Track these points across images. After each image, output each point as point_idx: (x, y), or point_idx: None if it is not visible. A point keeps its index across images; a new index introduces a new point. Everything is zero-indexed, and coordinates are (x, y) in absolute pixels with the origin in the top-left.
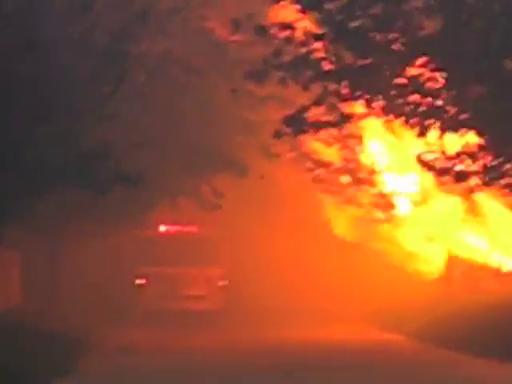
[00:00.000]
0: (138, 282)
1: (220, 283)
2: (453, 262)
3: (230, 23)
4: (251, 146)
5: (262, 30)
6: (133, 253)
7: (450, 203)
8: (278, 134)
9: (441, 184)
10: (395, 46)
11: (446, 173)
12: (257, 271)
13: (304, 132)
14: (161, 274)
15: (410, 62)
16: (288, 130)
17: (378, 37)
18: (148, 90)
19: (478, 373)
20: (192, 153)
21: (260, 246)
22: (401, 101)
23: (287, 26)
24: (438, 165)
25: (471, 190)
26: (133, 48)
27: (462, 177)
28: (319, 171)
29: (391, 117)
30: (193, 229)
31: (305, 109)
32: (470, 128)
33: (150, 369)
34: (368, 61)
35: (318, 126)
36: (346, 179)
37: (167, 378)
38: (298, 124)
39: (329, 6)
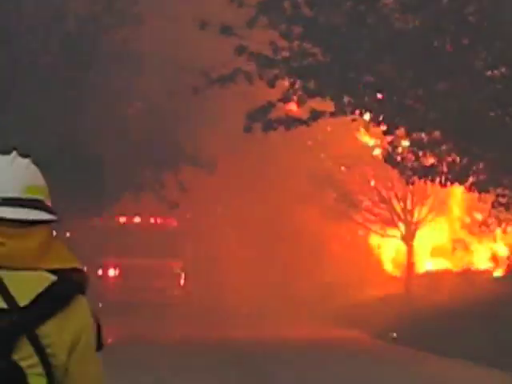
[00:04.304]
0: (99, 272)
1: (181, 276)
2: (416, 261)
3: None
4: (217, 140)
5: (226, 29)
6: (96, 243)
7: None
8: (246, 128)
9: (407, 181)
10: (365, 43)
11: (411, 169)
12: (218, 265)
13: (273, 128)
14: (122, 265)
15: (378, 60)
16: (257, 125)
17: (348, 34)
18: (116, 79)
19: (441, 372)
20: (158, 145)
21: (222, 239)
22: (368, 98)
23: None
24: (405, 162)
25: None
26: (101, 35)
27: (426, 173)
28: None
29: (358, 114)
30: (155, 221)
31: (271, 105)
32: (436, 128)
33: (105, 359)
34: (338, 58)
35: (288, 122)
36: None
37: (123, 368)
38: (266, 120)
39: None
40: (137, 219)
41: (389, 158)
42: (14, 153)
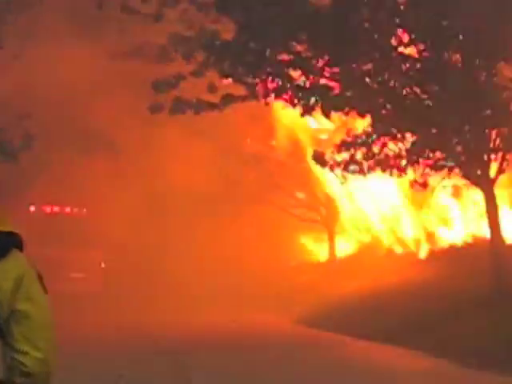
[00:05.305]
0: None
1: (100, 265)
2: (338, 245)
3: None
4: (125, 121)
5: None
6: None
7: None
8: (153, 109)
9: (340, 180)
10: (279, 21)
11: (339, 165)
12: (139, 253)
13: (182, 112)
14: (40, 256)
15: (294, 38)
16: (166, 108)
17: (263, 11)
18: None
19: (360, 354)
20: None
21: (142, 228)
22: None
23: None
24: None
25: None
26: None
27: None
28: None
29: (272, 98)
30: (72, 210)
31: (180, 77)
32: (353, 108)
33: None
34: (252, 35)
35: (198, 106)
36: None
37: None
38: (176, 103)
39: None
40: (54, 208)
41: (317, 158)
42: None
